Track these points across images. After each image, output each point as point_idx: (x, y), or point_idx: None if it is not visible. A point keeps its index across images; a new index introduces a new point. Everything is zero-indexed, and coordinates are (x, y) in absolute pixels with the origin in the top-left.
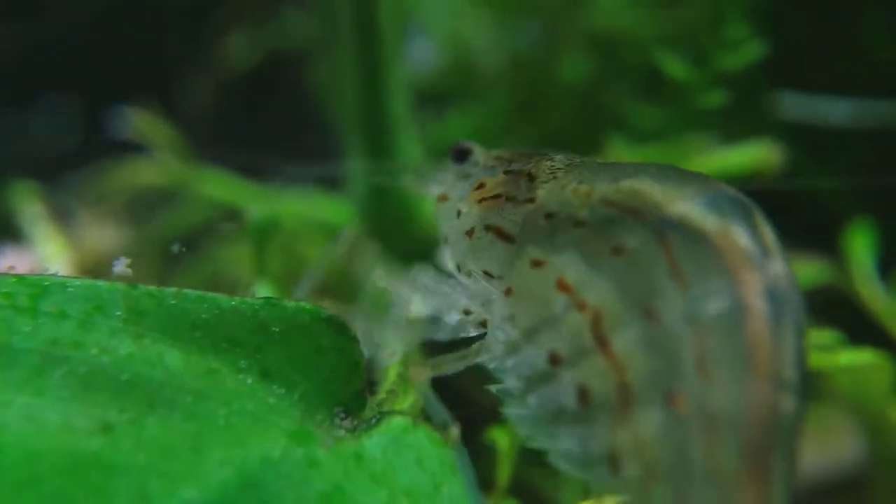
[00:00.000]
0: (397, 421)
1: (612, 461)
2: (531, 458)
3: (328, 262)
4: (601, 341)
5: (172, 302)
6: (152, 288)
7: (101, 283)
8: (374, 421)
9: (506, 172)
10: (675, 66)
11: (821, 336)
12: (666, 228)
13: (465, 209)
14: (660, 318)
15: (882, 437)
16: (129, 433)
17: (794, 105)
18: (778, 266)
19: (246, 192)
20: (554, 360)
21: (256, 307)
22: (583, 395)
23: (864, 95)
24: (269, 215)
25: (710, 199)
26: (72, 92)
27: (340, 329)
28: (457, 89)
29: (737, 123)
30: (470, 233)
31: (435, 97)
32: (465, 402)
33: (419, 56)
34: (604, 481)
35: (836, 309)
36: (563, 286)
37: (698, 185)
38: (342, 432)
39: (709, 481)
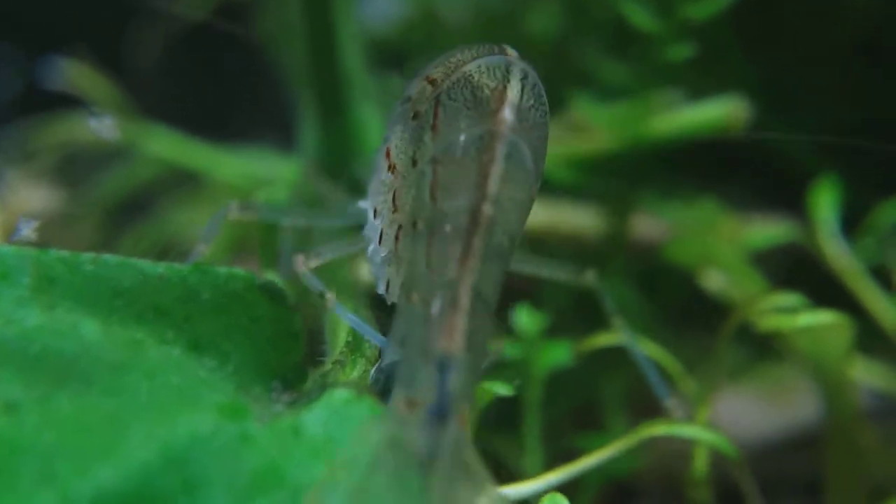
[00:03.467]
0: (339, 393)
1: (388, 287)
2: (494, 428)
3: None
4: (395, 194)
5: (89, 268)
6: (65, 253)
7: (5, 248)
8: (314, 394)
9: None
10: (640, 16)
11: (782, 299)
12: (441, 93)
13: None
14: (418, 165)
15: (839, 397)
16: (36, 411)
17: None
18: (513, 115)
19: (194, 152)
20: (375, 214)
21: (184, 273)
22: (385, 239)
23: (833, 53)
24: None
25: (484, 62)
26: (5, 41)
27: (277, 297)
28: (420, 43)
29: (705, 79)
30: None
31: (397, 51)
32: None
33: (381, 8)
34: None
35: (801, 268)
36: (387, 154)
37: (485, 52)
38: (280, 406)
39: (436, 272)
